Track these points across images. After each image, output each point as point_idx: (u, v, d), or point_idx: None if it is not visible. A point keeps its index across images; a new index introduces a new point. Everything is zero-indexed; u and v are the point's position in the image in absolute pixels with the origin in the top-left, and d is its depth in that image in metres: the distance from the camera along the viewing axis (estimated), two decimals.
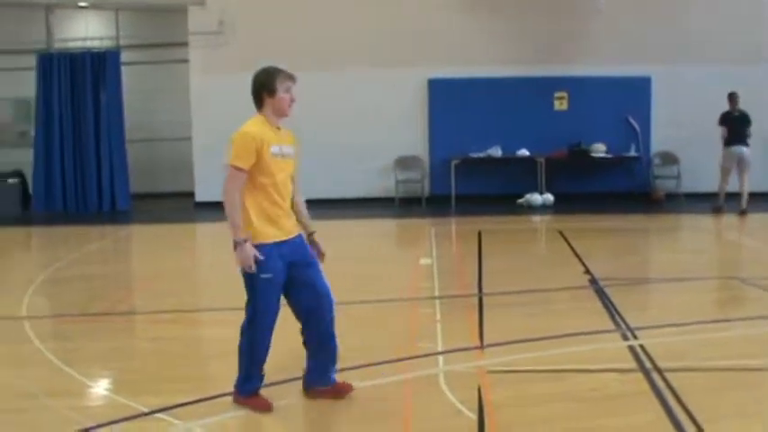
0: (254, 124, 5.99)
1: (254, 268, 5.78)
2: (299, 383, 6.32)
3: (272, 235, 5.91)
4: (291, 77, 6.15)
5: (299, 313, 6.14)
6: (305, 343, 6.20)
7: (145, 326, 9.25)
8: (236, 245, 5.80)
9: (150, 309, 9.87)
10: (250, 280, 5.89)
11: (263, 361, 6.06)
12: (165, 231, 16.97)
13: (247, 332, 6.01)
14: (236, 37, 19.08)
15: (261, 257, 5.79)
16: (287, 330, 6.14)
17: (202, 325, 9.42)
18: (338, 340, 6.22)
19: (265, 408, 6.02)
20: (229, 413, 5.99)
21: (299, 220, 6.21)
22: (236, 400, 6.11)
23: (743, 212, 16.83)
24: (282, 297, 6.06)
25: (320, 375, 6.21)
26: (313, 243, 6.27)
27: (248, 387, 6.08)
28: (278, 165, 5.95)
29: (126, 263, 14.30)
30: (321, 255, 6.29)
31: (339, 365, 6.32)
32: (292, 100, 6.12)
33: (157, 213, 19.36)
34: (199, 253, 15.42)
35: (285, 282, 5.99)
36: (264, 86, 6.08)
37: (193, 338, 8.66)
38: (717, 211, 17.13)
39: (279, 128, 6.10)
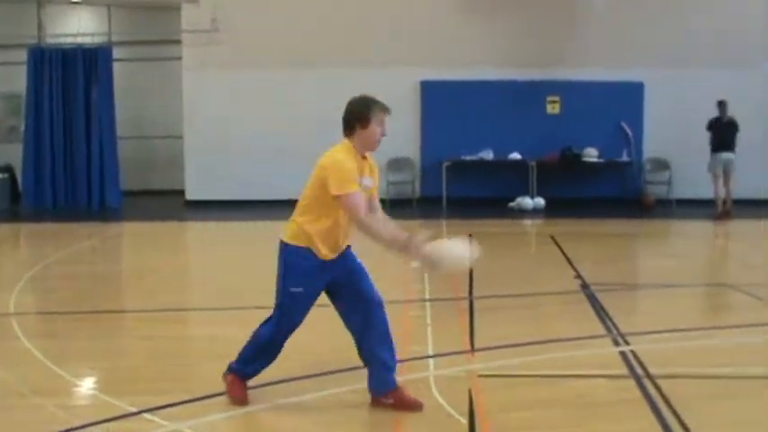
0: (345, 153, 5.85)
1: (435, 260, 5.71)
2: (292, 385, 6.29)
3: (323, 254, 5.84)
4: (387, 110, 6.01)
5: (347, 321, 6.09)
6: (359, 353, 6.12)
7: (134, 324, 9.20)
8: (408, 250, 5.72)
9: (140, 307, 9.83)
10: (281, 288, 5.89)
11: (269, 360, 6.07)
12: (156, 229, 16.92)
13: (267, 331, 6.00)
14: (228, 35, 19.01)
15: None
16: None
17: (192, 324, 9.39)
18: (395, 344, 6.13)
19: (240, 401, 6.03)
20: (219, 414, 5.95)
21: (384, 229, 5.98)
22: (225, 376, 6.15)
23: (726, 214, 17.11)
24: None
25: (380, 383, 6.07)
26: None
27: (244, 371, 6.09)
28: (364, 195, 5.88)
29: (116, 261, 14.25)
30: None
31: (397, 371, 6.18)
32: (383, 134, 5.97)
33: (148, 211, 19.30)
34: (189, 251, 15.37)
35: (331, 291, 5.99)
36: (359, 117, 5.90)
37: (183, 338, 8.62)
38: (716, 218, 17.16)
39: (364, 157, 5.96)
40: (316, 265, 5.83)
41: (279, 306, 5.94)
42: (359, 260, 6.13)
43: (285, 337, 6.03)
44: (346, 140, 5.93)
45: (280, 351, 6.07)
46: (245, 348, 6.10)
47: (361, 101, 5.99)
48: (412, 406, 6.03)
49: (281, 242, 5.92)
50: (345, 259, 6.03)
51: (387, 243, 5.79)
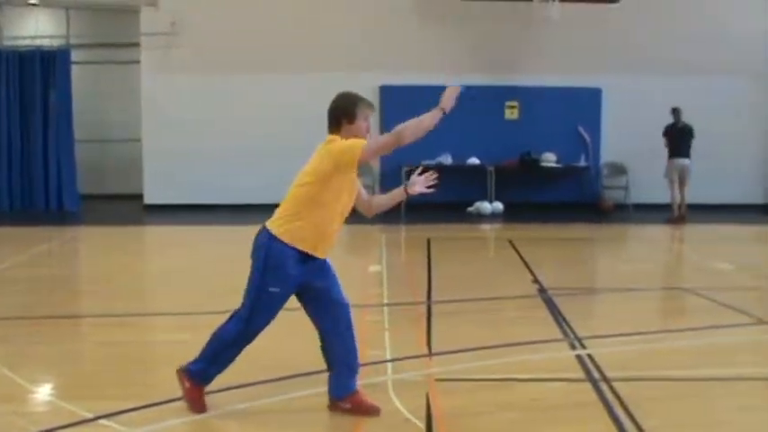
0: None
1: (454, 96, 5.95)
2: (250, 390, 6.28)
3: (308, 247, 5.82)
4: (371, 106, 6.06)
5: (319, 326, 6.11)
6: (324, 355, 6.15)
7: (91, 329, 9.15)
8: (442, 114, 5.98)
9: (97, 312, 9.76)
10: (257, 287, 5.83)
11: (228, 362, 6.00)
12: (114, 233, 16.81)
13: (232, 328, 5.92)
14: (187, 39, 18.95)
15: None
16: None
17: (150, 329, 9.32)
18: (358, 348, 6.17)
19: (199, 409, 5.98)
20: (176, 419, 5.93)
21: (388, 201, 6.50)
22: (181, 381, 6.06)
23: (681, 219, 17.46)
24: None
25: (340, 387, 6.10)
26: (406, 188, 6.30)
27: (202, 375, 6.00)
28: (347, 187, 5.95)
29: (73, 265, 14.15)
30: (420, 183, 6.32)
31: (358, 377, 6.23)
32: (368, 129, 6.02)
33: (106, 215, 19.18)
34: (147, 256, 15.27)
35: (300, 292, 5.97)
36: (345, 113, 5.96)
37: (141, 343, 8.56)
38: (672, 221, 17.41)
39: None
40: (299, 266, 5.81)
41: (251, 303, 5.86)
42: (332, 274, 6.11)
43: (251, 338, 5.96)
44: (332, 137, 5.98)
45: (239, 353, 6.00)
46: (207, 348, 6.00)
47: (346, 97, 6.05)
48: (369, 411, 6.06)
49: (268, 234, 5.83)
50: (322, 264, 6.03)
51: (423, 128, 5.88)
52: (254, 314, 5.87)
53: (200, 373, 6.01)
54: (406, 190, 6.27)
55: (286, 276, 5.80)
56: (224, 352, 5.96)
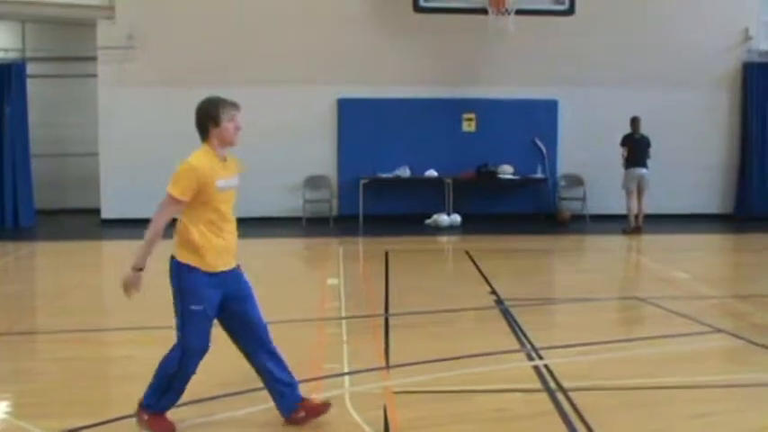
0: (202, 157, 5.93)
1: (128, 294, 5.90)
2: (202, 406, 6.26)
3: (210, 265, 5.85)
4: (235, 106, 6.07)
5: (239, 345, 6.11)
6: (258, 372, 6.16)
7: (47, 346, 9.07)
8: (132, 269, 5.85)
9: (53, 328, 9.69)
10: (180, 309, 5.84)
11: (181, 389, 5.96)
12: (70, 249, 16.67)
13: (174, 356, 5.90)
14: (144, 52, 18.86)
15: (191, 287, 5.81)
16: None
17: (107, 345, 9.27)
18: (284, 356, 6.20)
19: (169, 429, 5.93)
20: None
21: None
22: (139, 418, 5.98)
23: (637, 230, 17.61)
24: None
25: (287, 402, 6.12)
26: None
27: (157, 405, 5.94)
28: (223, 197, 5.95)
29: (28, 281, 14.00)
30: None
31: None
32: (237, 128, 6.05)
33: (63, 230, 19.02)
34: (104, 271, 15.14)
35: (221, 314, 5.96)
36: (209, 116, 6.01)
37: (97, 359, 8.50)
38: (627, 232, 17.55)
39: (225, 158, 6.06)
40: (207, 279, 5.83)
41: (181, 328, 5.88)
42: (247, 281, 6.13)
43: (195, 362, 5.92)
44: (205, 145, 6.02)
45: (189, 378, 5.96)
46: (155, 380, 5.96)
47: (207, 101, 6.11)
48: (321, 408, 6.17)
49: (172, 258, 5.91)
50: (236, 278, 6.04)
51: (140, 248, 5.87)
52: (187, 338, 5.86)
53: (155, 404, 5.95)
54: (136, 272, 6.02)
55: (203, 292, 5.82)
56: (173, 381, 5.92)
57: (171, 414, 6.02)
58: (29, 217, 19.33)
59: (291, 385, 6.12)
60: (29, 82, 19.51)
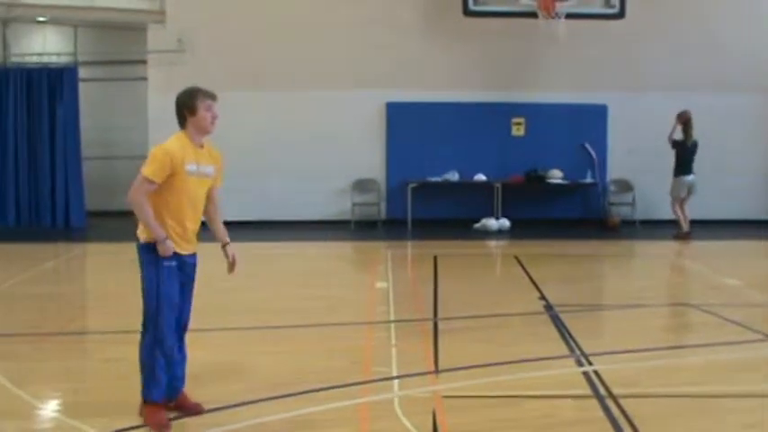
0: (175, 141, 6.19)
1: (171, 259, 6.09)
2: (259, 407, 6.26)
3: (175, 242, 6.14)
4: (211, 96, 6.31)
5: None
6: None
7: (97, 346, 9.14)
8: (158, 243, 6.04)
9: (102, 329, 9.77)
10: (155, 269, 6.09)
11: (169, 361, 6.15)
12: (120, 250, 16.68)
13: (147, 344, 6.13)
14: (194, 56, 19.00)
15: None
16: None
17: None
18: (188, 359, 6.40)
19: (161, 424, 6.04)
20: None
21: (214, 232, 6.55)
22: (141, 412, 6.18)
23: (688, 235, 17.42)
24: None
25: (171, 390, 6.30)
26: (225, 254, 6.53)
27: (149, 396, 6.12)
28: (192, 183, 6.17)
29: (79, 281, 14.15)
30: (232, 264, 6.55)
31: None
32: (214, 117, 6.28)
33: (112, 232, 19.13)
34: None
35: None
36: (185, 105, 6.28)
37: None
38: (679, 237, 17.37)
39: (201, 146, 6.28)
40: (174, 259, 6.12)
41: (146, 311, 6.15)
42: (195, 274, 6.40)
43: (167, 341, 6.11)
44: (181, 132, 6.27)
45: (173, 358, 6.17)
46: (141, 372, 6.18)
47: (185, 92, 6.37)
48: (194, 409, 6.33)
49: (137, 241, 6.22)
50: (191, 266, 6.34)
51: (147, 225, 6.11)
52: (160, 301, 6.11)
53: (147, 395, 6.15)
54: (224, 247, 6.58)
55: (168, 269, 6.12)
56: (153, 367, 6.10)
57: (218, 415, 6.04)
58: (80, 218, 19.53)
59: (181, 384, 6.35)
60: (80, 85, 19.72)
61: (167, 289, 6.09)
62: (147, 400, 6.11)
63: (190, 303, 6.38)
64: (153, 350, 6.07)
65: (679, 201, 17.67)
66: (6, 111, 19.29)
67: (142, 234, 6.15)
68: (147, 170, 6.02)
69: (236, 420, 6.17)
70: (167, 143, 6.15)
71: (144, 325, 6.17)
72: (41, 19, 20.87)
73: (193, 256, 6.32)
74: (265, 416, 6.29)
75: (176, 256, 6.13)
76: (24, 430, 6.11)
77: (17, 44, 21.02)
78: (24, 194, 19.43)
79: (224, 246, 6.53)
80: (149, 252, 6.09)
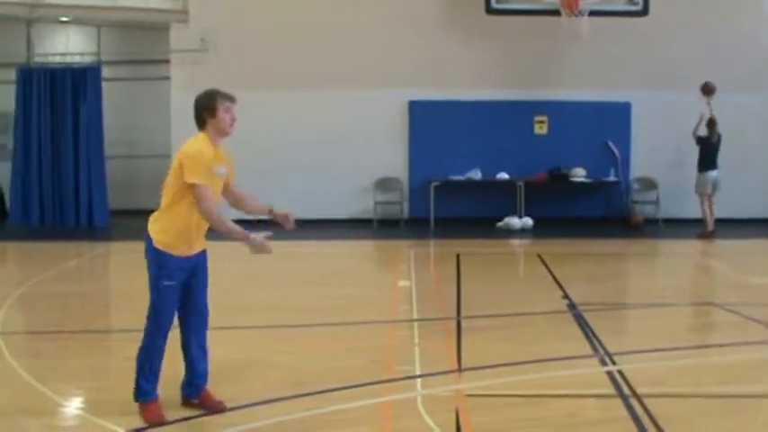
0: (201, 143, 6.20)
1: (271, 251, 6.10)
2: (281, 405, 6.26)
3: (181, 250, 6.16)
4: (231, 98, 6.35)
5: (181, 324, 6.39)
6: (184, 351, 6.44)
7: (120, 344, 9.14)
8: (246, 242, 6.09)
9: (126, 327, 9.77)
10: (154, 284, 6.12)
11: (158, 367, 6.25)
12: (143, 249, 16.80)
13: (146, 339, 6.21)
14: (217, 55, 19.06)
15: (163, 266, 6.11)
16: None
17: (178, 344, 9.31)
18: (209, 356, 6.46)
19: (157, 418, 6.13)
20: None
21: (252, 205, 6.65)
22: (140, 411, 6.25)
23: (712, 234, 17.31)
24: None
25: (193, 387, 6.41)
26: (276, 214, 6.61)
27: (145, 393, 6.22)
28: (215, 184, 6.24)
29: (103, 280, 14.22)
30: (288, 219, 6.62)
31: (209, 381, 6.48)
32: (233, 119, 6.33)
33: (135, 231, 19.12)
34: None
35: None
36: (205, 107, 6.29)
37: (169, 358, 8.55)
38: (703, 236, 17.27)
39: (217, 147, 6.32)
40: (179, 262, 6.13)
41: (153, 304, 6.16)
42: (207, 267, 6.44)
43: (162, 338, 6.20)
44: (201, 133, 6.28)
45: (160, 358, 6.26)
46: (136, 375, 6.26)
47: (204, 94, 6.37)
48: (216, 407, 6.35)
49: (147, 237, 6.19)
50: (200, 260, 6.35)
51: (226, 232, 6.12)
52: (156, 314, 6.16)
53: (139, 391, 6.25)
54: (271, 212, 6.62)
55: (176, 270, 6.14)
56: (146, 362, 6.21)
57: (242, 414, 6.04)
58: (103, 217, 19.59)
59: (202, 377, 6.42)
60: (104, 85, 19.78)
61: (166, 309, 6.18)
62: (142, 397, 6.25)
63: (204, 300, 6.42)
64: (146, 353, 6.24)
65: (706, 197, 17.59)
66: (30, 110, 19.38)
67: (158, 236, 6.16)
68: (195, 178, 6.01)
69: (258, 419, 6.17)
70: (195, 146, 6.15)
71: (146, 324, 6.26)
72: (65, 19, 20.96)
73: (203, 252, 6.39)
74: (286, 414, 6.29)
75: (188, 258, 6.20)
76: (48, 427, 6.13)
77: (41, 44, 21.14)
78: (48, 194, 19.53)
79: (270, 210, 6.59)
80: (160, 255, 6.13)
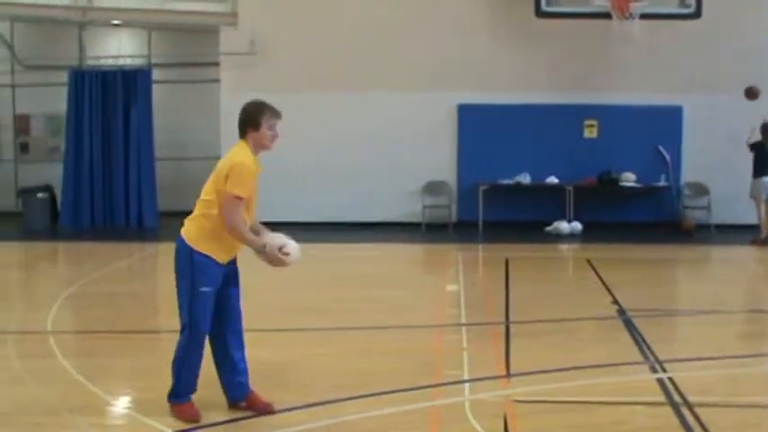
0: (246, 155, 6.19)
1: (286, 261, 6.10)
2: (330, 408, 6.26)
3: (221, 257, 6.18)
4: (278, 115, 6.34)
5: (215, 327, 6.37)
6: (214, 355, 6.47)
7: (169, 345, 9.07)
8: (259, 253, 6.09)
9: (174, 328, 9.79)
10: (190, 291, 6.14)
11: (197, 372, 6.30)
12: None
13: (183, 342, 6.26)
14: (266, 58, 19.15)
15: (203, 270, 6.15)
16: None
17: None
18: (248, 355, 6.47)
19: (193, 417, 6.20)
20: None
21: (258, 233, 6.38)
22: (171, 411, 6.31)
23: (765, 240, 17.01)
24: None
25: (237, 390, 6.43)
26: (266, 254, 6.30)
27: (181, 396, 6.30)
28: (255, 193, 6.27)
29: (152, 280, 14.32)
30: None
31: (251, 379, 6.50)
32: (275, 137, 6.32)
33: None
34: None
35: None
36: (250, 119, 6.26)
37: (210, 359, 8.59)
38: (757, 242, 17.02)
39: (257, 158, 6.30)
40: (218, 268, 6.18)
41: (189, 311, 6.19)
42: (238, 271, 6.45)
43: (201, 343, 6.26)
44: (242, 142, 6.26)
45: (200, 360, 6.30)
46: (174, 377, 6.33)
47: (253, 105, 6.33)
48: (265, 408, 6.34)
49: (184, 243, 6.24)
50: (234, 265, 6.40)
51: (247, 244, 6.13)
52: (192, 322, 6.20)
53: (174, 393, 6.34)
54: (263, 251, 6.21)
55: (215, 275, 6.18)
56: (183, 367, 6.27)
57: (289, 417, 6.04)
58: (152, 218, 19.75)
59: (242, 372, 6.41)
60: (154, 87, 19.96)
61: (202, 316, 6.21)
62: (175, 398, 6.34)
63: (239, 294, 6.44)
64: (183, 357, 6.32)
65: (761, 202, 17.32)
66: (82, 112, 19.59)
67: (199, 243, 6.21)
68: (238, 190, 6.02)
69: (306, 421, 6.18)
70: (241, 157, 6.14)
71: (182, 321, 6.33)
72: (116, 22, 21.14)
73: (235, 259, 6.41)
74: (333, 417, 6.29)
75: (225, 264, 6.24)
76: (98, 426, 6.18)
77: (93, 47, 21.36)
78: (99, 195, 19.72)
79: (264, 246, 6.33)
80: (200, 260, 6.17)
